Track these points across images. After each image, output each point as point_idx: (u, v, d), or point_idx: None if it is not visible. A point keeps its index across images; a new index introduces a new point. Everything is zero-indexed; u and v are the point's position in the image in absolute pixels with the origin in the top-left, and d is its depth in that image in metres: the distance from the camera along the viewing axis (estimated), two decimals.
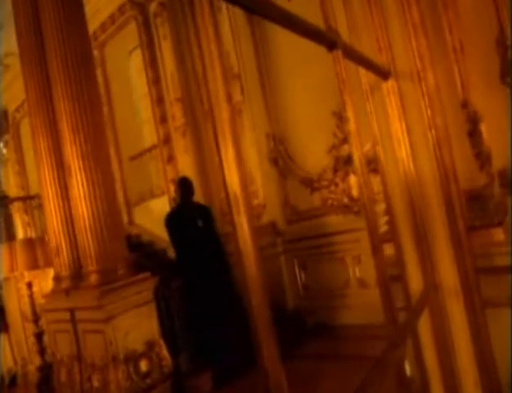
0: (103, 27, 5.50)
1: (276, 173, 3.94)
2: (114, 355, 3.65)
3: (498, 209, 2.10)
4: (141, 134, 5.57)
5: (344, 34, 1.91)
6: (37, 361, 4.41)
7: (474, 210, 2.06)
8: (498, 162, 3.03)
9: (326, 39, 1.28)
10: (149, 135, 5.35)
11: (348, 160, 3.83)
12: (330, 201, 3.54)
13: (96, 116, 3.81)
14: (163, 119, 4.93)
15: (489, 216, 2.01)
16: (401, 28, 1.81)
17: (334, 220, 3.53)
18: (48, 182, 3.81)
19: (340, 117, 3.43)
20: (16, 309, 4.98)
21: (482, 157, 2.23)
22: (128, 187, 5.72)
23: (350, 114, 1.30)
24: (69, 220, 3.74)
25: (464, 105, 2.07)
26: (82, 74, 3.74)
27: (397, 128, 1.83)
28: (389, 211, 2.02)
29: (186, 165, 4.57)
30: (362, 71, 1.80)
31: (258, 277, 0.80)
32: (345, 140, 3.62)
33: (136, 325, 3.81)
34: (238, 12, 4.14)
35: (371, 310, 2.32)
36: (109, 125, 5.62)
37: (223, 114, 0.90)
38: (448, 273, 1.86)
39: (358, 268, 3.33)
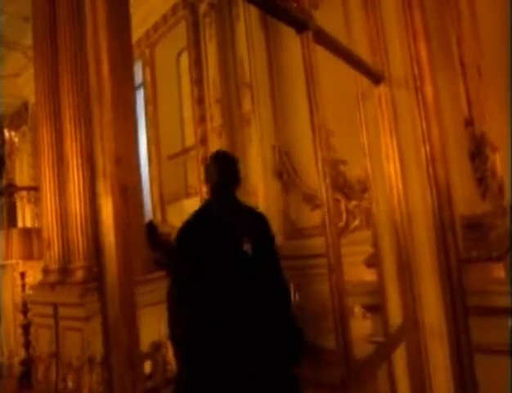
0: (155, 27, 5.56)
1: (279, 186, 3.72)
2: (90, 357, 3.48)
3: (500, 242, 1.82)
4: (181, 134, 5.56)
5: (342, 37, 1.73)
6: (22, 354, 4.30)
7: (472, 239, 1.78)
8: (508, 194, 2.75)
9: (296, 20, 1.09)
10: (189, 135, 5.29)
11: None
12: None
13: (129, 109, 3.74)
14: (201, 120, 4.83)
15: (488, 248, 1.72)
16: (400, 30, 1.58)
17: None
18: (47, 176, 3.74)
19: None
20: (10, 298, 4.91)
21: (485, 183, 1.96)
22: (164, 185, 5.68)
23: (314, 106, 1.09)
24: (63, 215, 3.67)
25: (468, 123, 1.83)
26: (120, 74, 3.71)
27: (387, 140, 1.60)
28: (374, 233, 1.78)
29: None
30: (352, 73, 1.60)
31: None
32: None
33: (145, 324, 3.64)
34: (254, 20, 4.04)
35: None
36: (152, 124, 5.65)
37: None
38: (432, 309, 1.58)
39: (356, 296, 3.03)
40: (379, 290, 1.70)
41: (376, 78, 1.56)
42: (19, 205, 7.27)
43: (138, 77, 5.93)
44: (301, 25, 1.09)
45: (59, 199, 3.67)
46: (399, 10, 1.57)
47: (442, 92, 1.70)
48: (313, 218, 3.44)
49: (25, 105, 7.66)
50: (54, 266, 3.67)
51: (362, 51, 1.61)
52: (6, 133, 7.43)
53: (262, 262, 1.90)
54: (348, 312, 3.16)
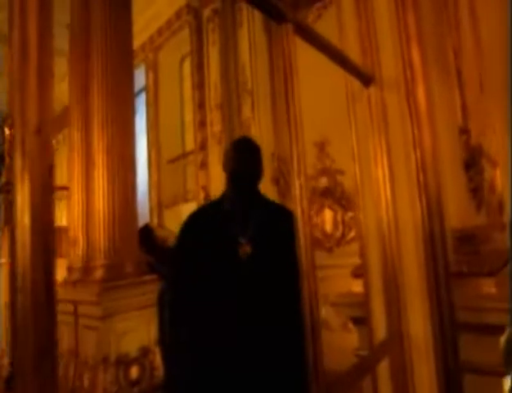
0: (160, 31, 5.58)
1: (275, 192, 3.68)
2: (105, 356, 3.42)
3: (493, 257, 1.73)
4: (182, 138, 5.55)
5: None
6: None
7: (463, 252, 1.69)
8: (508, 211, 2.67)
9: (275, 11, 1.02)
10: (189, 140, 5.29)
11: (325, 192, 3.55)
12: (316, 234, 3.24)
13: (126, 116, 3.75)
14: (202, 124, 4.83)
15: (480, 263, 1.63)
16: (392, 32, 1.52)
17: (318, 254, 3.20)
18: (76, 175, 3.76)
19: (321, 148, 3.19)
20: (3, 298, 4.84)
21: (480, 195, 1.87)
22: (162, 189, 5.64)
23: (290, 98, 1.01)
24: (89, 213, 3.66)
25: (463, 131, 1.75)
26: (119, 76, 3.73)
27: (376, 144, 1.52)
28: (361, 241, 1.69)
29: (218, 173, 4.42)
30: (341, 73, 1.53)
31: None
32: (323, 171, 3.38)
33: (134, 328, 3.58)
34: (258, 27, 4.03)
35: (333, 355, 1.99)
36: (153, 127, 5.64)
37: None
38: (418, 324, 1.48)
39: (324, 309, 2.93)
40: (364, 302, 1.61)
41: (366, 79, 1.49)
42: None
43: (141, 81, 5.92)
44: (280, 17, 1.02)
45: (86, 198, 3.67)
46: (392, 10, 1.51)
47: (436, 98, 1.62)
48: None
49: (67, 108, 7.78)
50: (78, 264, 3.66)
51: (354, 51, 1.54)
52: (7, 131, 7.46)
53: (268, 274, 1.47)
54: (322, 322, 3.08)
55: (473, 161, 1.80)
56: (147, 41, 5.84)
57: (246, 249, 1.51)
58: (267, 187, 3.59)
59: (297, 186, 0.96)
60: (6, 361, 4.68)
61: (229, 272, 1.51)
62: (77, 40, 3.83)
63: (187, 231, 1.63)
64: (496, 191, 2.65)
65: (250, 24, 4.09)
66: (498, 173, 2.70)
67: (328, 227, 3.47)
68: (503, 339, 1.59)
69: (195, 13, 5.14)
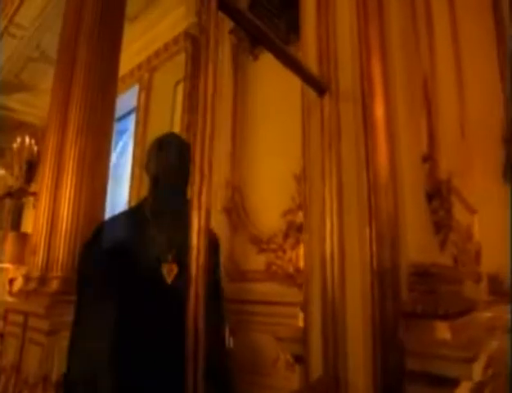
0: (157, 53, 5.58)
1: (227, 224, 3.48)
2: (46, 375, 3.12)
3: (451, 298, 1.52)
4: None
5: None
6: None
7: (419, 291, 1.48)
8: (488, 264, 2.52)
9: None
10: None
11: (301, 228, 3.36)
12: (274, 267, 3.03)
13: (104, 126, 3.62)
14: None
15: (434, 303, 1.42)
16: (352, 41, 1.38)
17: (275, 289, 2.97)
18: (46, 181, 3.57)
19: (300, 181, 3.05)
20: None
21: (445, 232, 1.68)
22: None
23: (201, 99, 0.84)
24: (54, 222, 3.46)
25: (427, 159, 1.58)
26: (100, 86, 3.63)
27: (326, 160, 1.35)
28: (304, 269, 1.49)
29: None
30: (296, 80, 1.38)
31: None
32: (302, 206, 3.21)
33: None
34: (226, 56, 4.05)
35: None
36: (139, 145, 5.54)
37: None
38: (358, 368, 1.26)
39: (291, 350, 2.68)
40: (303, 338, 1.39)
41: (320, 88, 1.33)
42: (26, 209, 7.21)
43: (134, 101, 5.87)
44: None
45: (53, 205, 3.47)
46: (353, 20, 1.37)
47: (399, 119, 1.46)
48: (258, 261, 3.20)
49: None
50: (36, 274, 3.40)
51: (311, 59, 1.40)
52: (27, 140, 7.62)
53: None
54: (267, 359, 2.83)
55: (438, 194, 1.62)
56: (144, 61, 5.81)
57: (172, 268, 1.36)
58: (217, 218, 3.42)
59: (195, 216, 0.77)
60: None
61: (154, 293, 1.35)
62: (65, 47, 3.74)
63: (97, 240, 1.40)
64: (474, 240, 2.46)
65: (219, 52, 4.10)
66: (476, 221, 2.53)
67: (302, 263, 3.30)
68: None
69: (193, 40, 5.14)
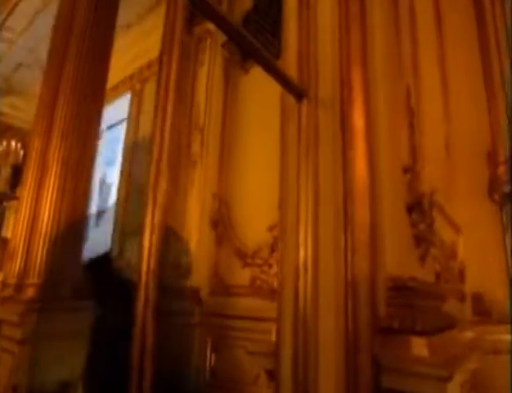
0: (149, 65, 5.58)
1: (213, 237, 3.42)
2: (15, 386, 2.99)
3: (429, 314, 1.46)
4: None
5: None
6: None
7: (397, 305, 1.43)
8: (473, 283, 2.47)
9: None
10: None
11: None
12: (259, 282, 2.97)
13: (90, 133, 3.56)
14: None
15: (412, 318, 1.37)
16: (333, 48, 1.35)
17: (259, 305, 2.88)
18: (28, 184, 3.48)
19: None
20: None
21: (425, 246, 1.63)
22: (128, 217, 5.33)
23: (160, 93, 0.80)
24: (34, 226, 3.36)
25: (408, 171, 1.54)
26: (88, 93, 3.59)
27: (302, 166, 1.30)
28: (279, 279, 1.43)
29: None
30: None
31: None
32: None
33: (56, 358, 3.16)
34: (218, 70, 4.07)
35: None
36: (128, 153, 5.50)
37: None
38: (330, 386, 1.19)
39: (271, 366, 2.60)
40: (275, 353, 1.32)
41: (298, 93, 1.30)
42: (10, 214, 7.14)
43: (125, 110, 5.85)
44: None
45: (34, 209, 3.36)
46: (335, 27, 1.35)
47: (380, 129, 1.43)
48: (243, 276, 3.14)
49: None
50: (12, 280, 3.27)
51: (291, 64, 1.36)
52: (13, 144, 7.49)
53: None
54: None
55: (419, 206, 1.58)
56: (136, 72, 5.81)
57: None
58: (204, 230, 3.35)
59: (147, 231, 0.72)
60: None
61: None
62: (54, 53, 3.70)
63: None
64: (458, 259, 2.43)
65: (211, 65, 4.11)
66: (461, 240, 2.49)
67: None
68: None
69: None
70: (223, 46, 4.17)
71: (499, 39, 2.88)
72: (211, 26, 4.22)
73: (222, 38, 4.14)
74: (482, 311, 2.65)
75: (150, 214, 0.66)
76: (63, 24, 3.78)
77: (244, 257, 3.13)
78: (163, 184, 0.66)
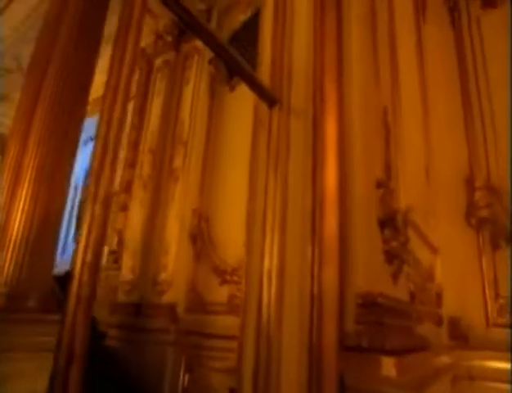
0: None
1: (191, 252, 3.35)
2: None
3: (399, 333, 1.41)
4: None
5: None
6: None
7: (366, 323, 1.38)
8: (450, 307, 2.44)
9: None
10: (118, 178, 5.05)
11: None
12: (236, 300, 2.90)
13: (68, 142, 3.49)
14: (131, 165, 4.67)
15: (382, 337, 1.32)
16: (307, 56, 1.34)
17: (236, 323, 2.83)
18: (6, 189, 3.38)
19: None
20: None
21: (398, 263, 1.60)
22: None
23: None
24: (4, 234, 3.24)
25: (381, 186, 1.52)
26: (70, 100, 3.54)
27: (270, 175, 1.26)
28: (243, 290, 1.37)
29: (137, 218, 4.10)
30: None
31: None
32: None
33: (21, 372, 2.99)
34: (203, 87, 4.10)
35: None
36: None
37: None
38: None
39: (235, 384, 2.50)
40: (236, 369, 1.25)
41: (270, 99, 1.27)
42: None
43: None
44: None
45: (5, 216, 3.24)
46: (310, 35, 1.34)
47: (354, 141, 1.40)
48: (221, 293, 3.06)
49: None
50: None
51: (266, 72, 1.35)
52: None
53: None
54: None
55: (391, 223, 1.55)
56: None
57: None
58: (183, 244, 3.29)
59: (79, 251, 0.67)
60: None
61: None
62: (37, 60, 3.66)
63: None
64: (435, 281, 2.39)
65: (197, 82, 4.15)
66: (439, 262, 2.47)
67: None
68: None
69: (148, 59, 5.20)
70: (210, 62, 4.19)
71: (477, 67, 2.94)
72: (199, 43, 4.26)
73: (209, 54, 4.17)
74: (459, 336, 2.61)
75: (91, 208, 0.62)
76: (47, 32, 3.76)
77: (223, 274, 3.06)
78: (106, 175, 0.63)
